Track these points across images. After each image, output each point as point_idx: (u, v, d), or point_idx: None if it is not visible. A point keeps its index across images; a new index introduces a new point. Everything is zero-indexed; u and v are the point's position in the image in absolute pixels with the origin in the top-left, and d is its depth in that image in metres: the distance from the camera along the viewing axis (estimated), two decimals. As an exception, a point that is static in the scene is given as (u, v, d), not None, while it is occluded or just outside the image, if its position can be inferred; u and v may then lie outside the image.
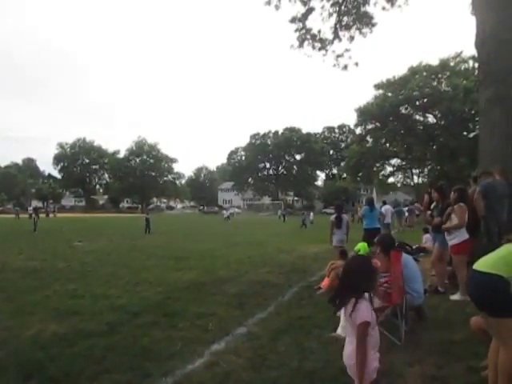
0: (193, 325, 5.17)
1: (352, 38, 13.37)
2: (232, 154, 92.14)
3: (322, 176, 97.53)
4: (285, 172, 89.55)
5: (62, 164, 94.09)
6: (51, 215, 52.96)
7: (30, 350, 4.23)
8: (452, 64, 43.67)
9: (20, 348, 4.32)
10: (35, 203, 74.38)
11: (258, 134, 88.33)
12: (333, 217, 9.58)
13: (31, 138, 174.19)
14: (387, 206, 19.27)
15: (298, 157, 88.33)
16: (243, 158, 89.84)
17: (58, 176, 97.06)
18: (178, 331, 4.91)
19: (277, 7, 12.94)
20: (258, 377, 3.63)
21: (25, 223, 30.47)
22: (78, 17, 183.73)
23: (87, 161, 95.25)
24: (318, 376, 3.60)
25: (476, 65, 29.69)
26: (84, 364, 3.87)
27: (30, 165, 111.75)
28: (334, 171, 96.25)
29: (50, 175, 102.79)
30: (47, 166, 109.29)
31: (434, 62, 44.38)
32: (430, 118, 47.29)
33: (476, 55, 9.16)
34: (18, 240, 17.82)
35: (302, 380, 3.55)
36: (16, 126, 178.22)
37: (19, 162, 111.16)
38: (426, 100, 43.42)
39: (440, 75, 43.97)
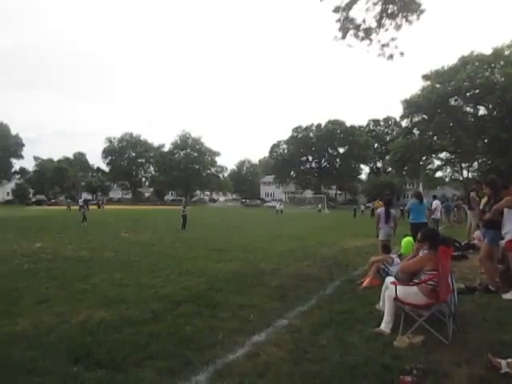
0: (234, 315, 5.21)
1: (399, 27, 12.89)
2: (274, 147, 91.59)
3: (366, 170, 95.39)
4: (328, 165, 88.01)
5: (110, 158, 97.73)
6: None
7: (79, 336, 4.41)
8: (507, 53, 41.46)
9: (69, 333, 4.51)
10: (85, 195, 77.52)
11: (300, 127, 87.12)
12: (380, 210, 9.41)
13: (81, 133, 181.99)
14: (437, 201, 18.69)
15: (341, 150, 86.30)
16: (285, 151, 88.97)
17: (106, 169, 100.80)
18: (219, 321, 4.96)
19: (320, -3, 12.66)
20: (298, 370, 3.59)
21: (75, 214, 31.71)
22: (116, 15, 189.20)
23: (134, 154, 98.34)
24: (359, 371, 3.52)
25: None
26: (129, 350, 3.98)
27: (80, 159, 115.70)
28: (379, 165, 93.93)
29: (98, 168, 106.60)
30: (96, 160, 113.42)
31: (487, 51, 42.37)
32: (482, 110, 45.24)
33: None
34: (69, 230, 18.66)
35: (343, 375, 3.47)
36: (68, 123, 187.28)
37: (70, 156, 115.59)
38: (477, 91, 41.49)
39: (493, 65, 41.84)
